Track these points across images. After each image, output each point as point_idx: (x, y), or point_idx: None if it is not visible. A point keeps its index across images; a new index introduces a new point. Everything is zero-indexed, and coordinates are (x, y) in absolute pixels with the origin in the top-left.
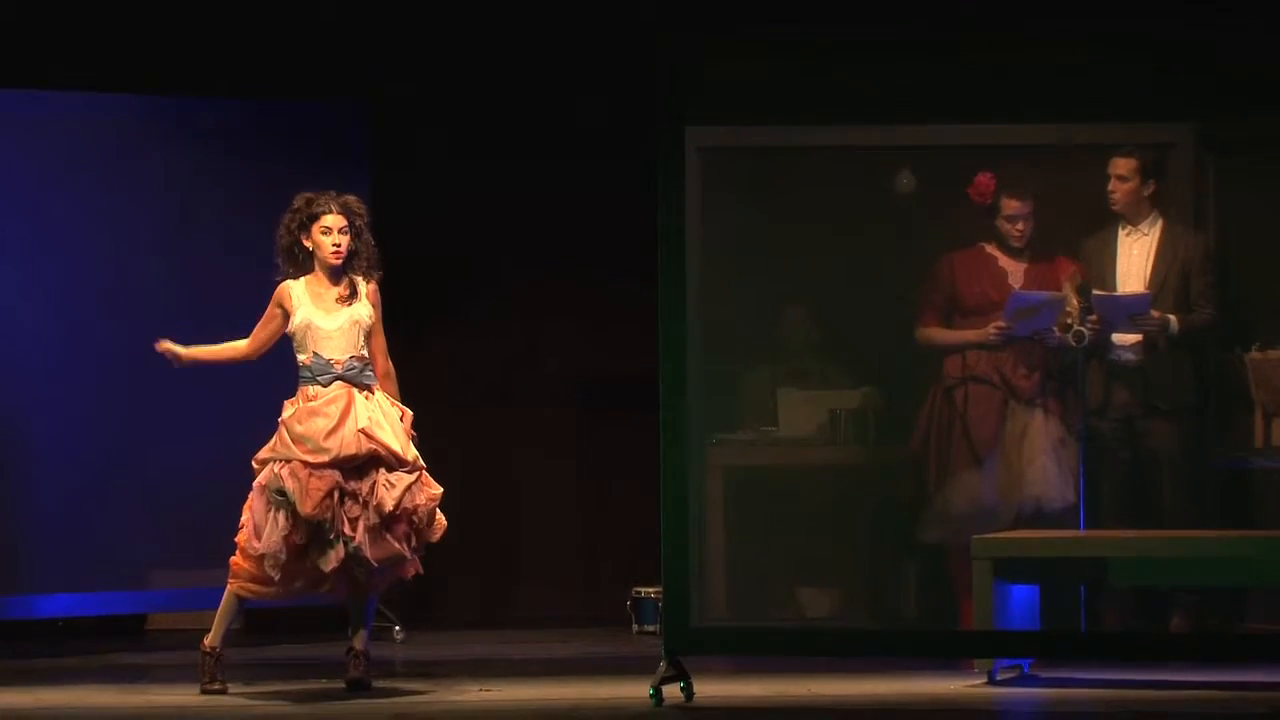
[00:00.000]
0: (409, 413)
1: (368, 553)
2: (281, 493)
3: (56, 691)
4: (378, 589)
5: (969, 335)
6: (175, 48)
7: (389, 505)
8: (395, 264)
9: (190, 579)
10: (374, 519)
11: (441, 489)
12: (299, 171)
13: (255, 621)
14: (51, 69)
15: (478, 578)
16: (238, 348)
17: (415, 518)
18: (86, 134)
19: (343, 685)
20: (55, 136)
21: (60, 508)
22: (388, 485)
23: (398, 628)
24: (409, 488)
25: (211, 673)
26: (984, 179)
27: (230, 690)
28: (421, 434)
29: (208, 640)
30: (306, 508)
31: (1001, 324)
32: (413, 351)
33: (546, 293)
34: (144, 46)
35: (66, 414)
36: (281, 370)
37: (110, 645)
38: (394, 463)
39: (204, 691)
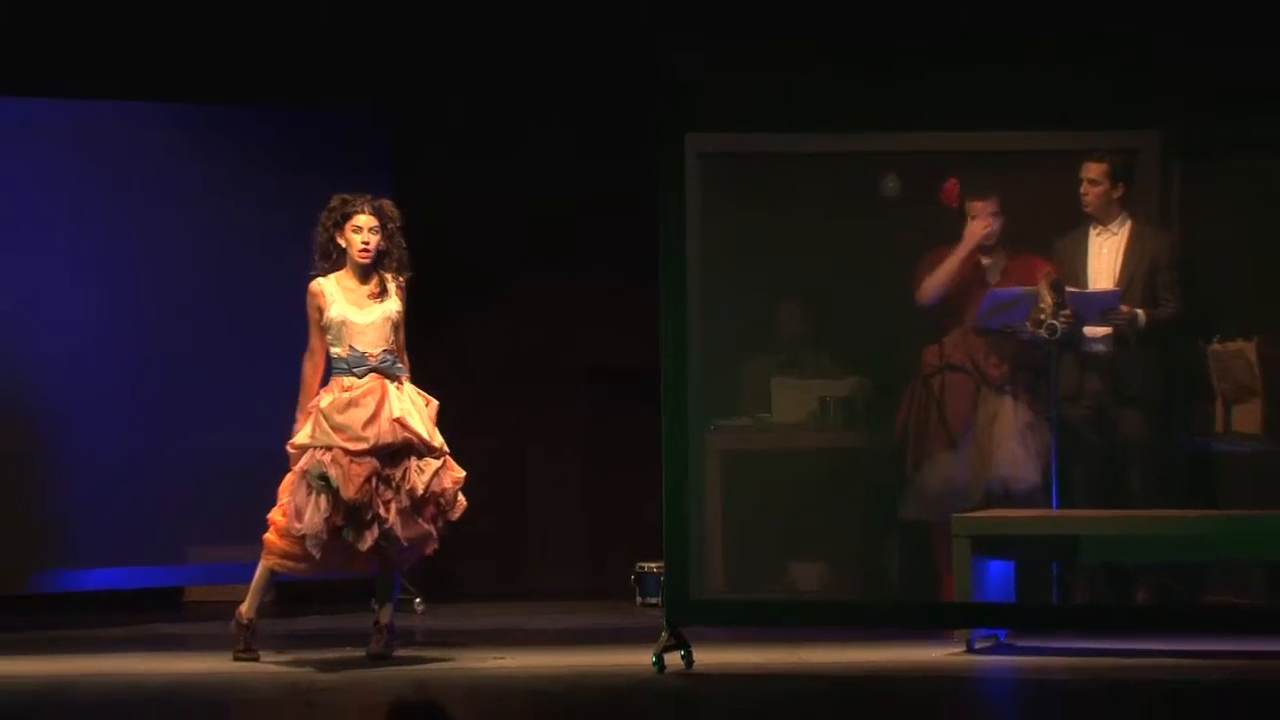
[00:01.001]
0: (434, 402)
1: (399, 533)
2: (324, 478)
3: (99, 659)
4: (404, 566)
5: (958, 253)
6: (205, 58)
7: (420, 489)
8: (413, 264)
9: (224, 554)
10: (405, 502)
11: (464, 473)
12: (323, 177)
13: (286, 593)
14: (85, 80)
15: (493, 555)
16: (315, 367)
17: (442, 500)
18: (123, 140)
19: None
20: (94, 144)
21: (104, 487)
22: (419, 470)
23: (418, 600)
24: (437, 472)
25: (246, 641)
26: (950, 184)
27: (261, 658)
28: (441, 425)
29: (243, 610)
30: (350, 492)
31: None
32: (432, 344)
33: (558, 291)
34: (175, 57)
35: (111, 401)
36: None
37: (150, 616)
38: (423, 449)
39: (236, 659)
